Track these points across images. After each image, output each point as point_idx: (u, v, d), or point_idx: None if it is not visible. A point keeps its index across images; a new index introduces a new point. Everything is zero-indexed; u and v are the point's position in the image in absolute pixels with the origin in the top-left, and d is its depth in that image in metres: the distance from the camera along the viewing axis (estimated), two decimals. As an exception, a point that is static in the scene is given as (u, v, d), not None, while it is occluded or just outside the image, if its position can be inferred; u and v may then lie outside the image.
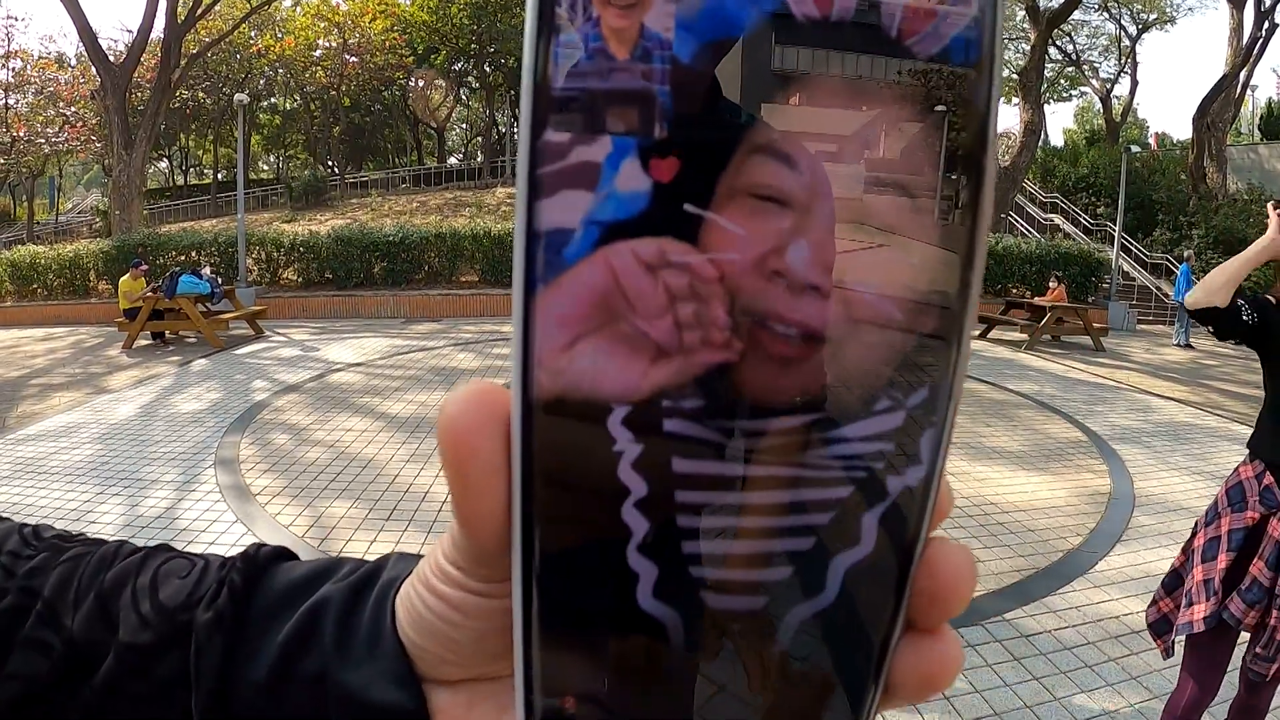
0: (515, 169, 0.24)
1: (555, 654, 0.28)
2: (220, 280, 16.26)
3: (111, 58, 24.63)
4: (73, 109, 35.77)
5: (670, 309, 0.26)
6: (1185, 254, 19.02)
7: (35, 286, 20.98)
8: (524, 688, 0.28)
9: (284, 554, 0.45)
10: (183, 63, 25.45)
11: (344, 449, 7.81)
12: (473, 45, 37.97)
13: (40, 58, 37.13)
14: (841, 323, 0.27)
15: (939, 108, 0.26)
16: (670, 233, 0.26)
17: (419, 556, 0.37)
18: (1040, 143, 31.03)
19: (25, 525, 0.51)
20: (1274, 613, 2.88)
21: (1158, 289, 24.31)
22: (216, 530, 5.77)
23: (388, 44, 36.90)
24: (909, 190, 0.27)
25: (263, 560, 0.43)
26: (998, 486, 7.14)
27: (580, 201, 0.26)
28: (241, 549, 0.44)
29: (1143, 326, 21.27)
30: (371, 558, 0.41)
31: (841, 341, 0.27)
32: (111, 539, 0.50)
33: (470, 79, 43.32)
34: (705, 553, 0.28)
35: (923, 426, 0.28)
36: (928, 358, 0.27)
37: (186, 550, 0.47)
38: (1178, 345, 17.83)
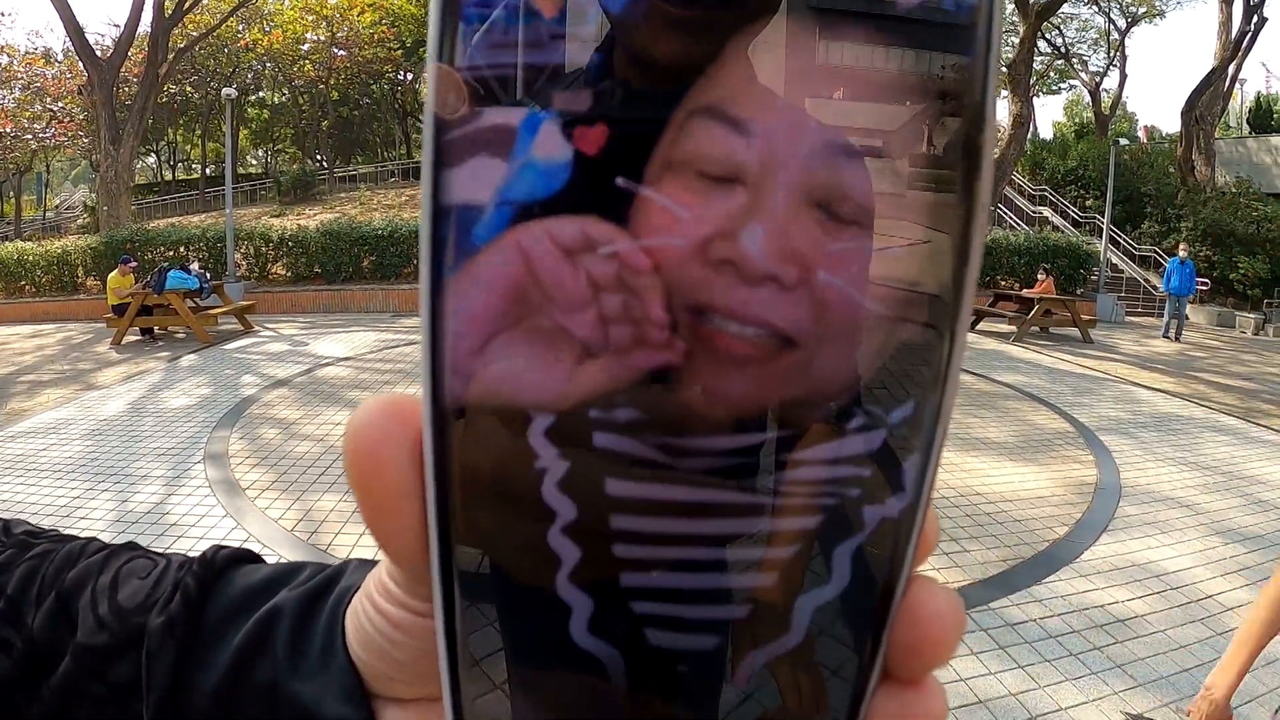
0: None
1: (482, 687, 0.25)
2: (209, 275, 16.20)
3: (99, 52, 24.49)
4: (60, 104, 35.48)
5: (595, 302, 0.23)
6: (1181, 251, 19.03)
7: (23, 283, 20.86)
8: (453, 713, 0.25)
9: (244, 556, 0.44)
10: (170, 57, 25.30)
11: (333, 443, 7.80)
12: (462, 38, 37.82)
13: (26, 53, 36.77)
14: (808, 321, 0.23)
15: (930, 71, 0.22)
16: (597, 213, 0.23)
17: (376, 562, 0.35)
18: (1029, 135, 31.09)
19: None
20: None
21: (1146, 281, 24.38)
22: (206, 525, 5.77)
23: (376, 37, 36.66)
24: (890, 162, 0.22)
25: (220, 564, 0.42)
26: (985, 477, 7.18)
27: (492, 173, 0.22)
28: (212, 547, 0.44)
29: (1131, 318, 21.36)
30: (361, 550, 0.40)
31: (807, 344, 0.23)
32: (100, 535, 0.49)
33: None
34: (647, 585, 0.24)
35: (907, 449, 0.24)
36: (912, 366, 0.23)
37: (175, 549, 0.47)
38: (1165, 338, 17.87)
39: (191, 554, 0.46)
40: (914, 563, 0.25)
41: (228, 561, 0.43)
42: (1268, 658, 4.20)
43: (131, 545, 0.48)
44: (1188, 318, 19.97)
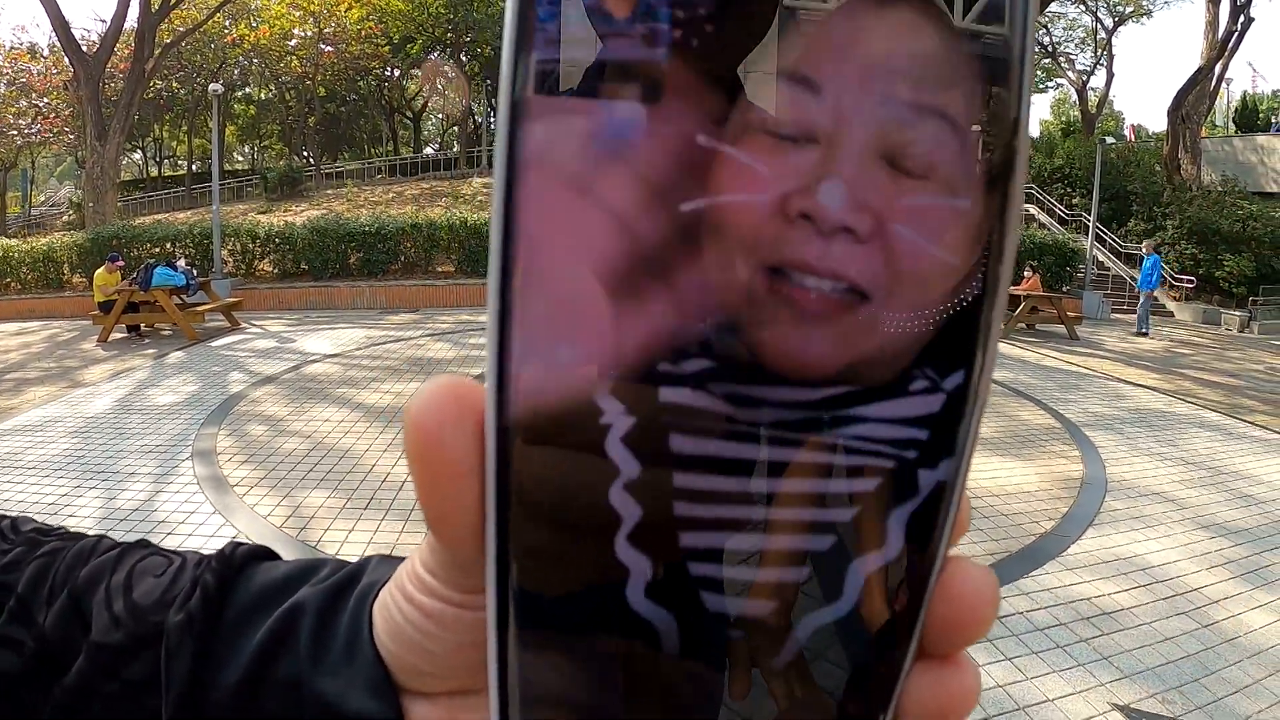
0: (492, 159, 0.21)
1: (533, 667, 0.25)
2: (195, 272, 16.08)
3: (85, 48, 24.44)
4: (45, 100, 35.24)
5: (674, 255, 0.23)
6: (1156, 246, 19.19)
7: (8, 280, 20.67)
8: (499, 706, 0.25)
9: (262, 553, 0.44)
10: (156, 53, 25.15)
11: (321, 439, 7.80)
12: (449, 34, 37.74)
13: (12, 48, 36.46)
14: (881, 275, 0.23)
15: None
16: (679, 173, 0.23)
17: (399, 560, 0.35)
18: (1016, 134, 31.02)
19: (4, 518, 0.50)
20: None
21: (1132, 279, 24.46)
22: (195, 522, 5.75)
23: (364, 33, 36.51)
24: (952, 123, 0.23)
25: (239, 560, 0.42)
26: (972, 472, 7.09)
27: (575, 126, 0.22)
28: (220, 545, 0.43)
29: (1117, 315, 21.46)
30: (350, 546, 0.40)
31: (880, 298, 0.23)
32: (90, 532, 0.49)
33: (446, 68, 43.06)
34: (707, 546, 0.24)
35: (959, 413, 0.24)
36: (967, 332, 0.24)
37: (163, 545, 0.46)
38: (1141, 334, 17.96)
39: (186, 550, 0.45)
40: (951, 539, 0.25)
41: (246, 558, 0.42)
42: (1254, 648, 4.25)
43: (144, 543, 0.48)
44: (1172, 313, 20.14)
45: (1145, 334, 17.93)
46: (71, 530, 0.50)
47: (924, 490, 0.24)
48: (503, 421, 0.23)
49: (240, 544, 0.44)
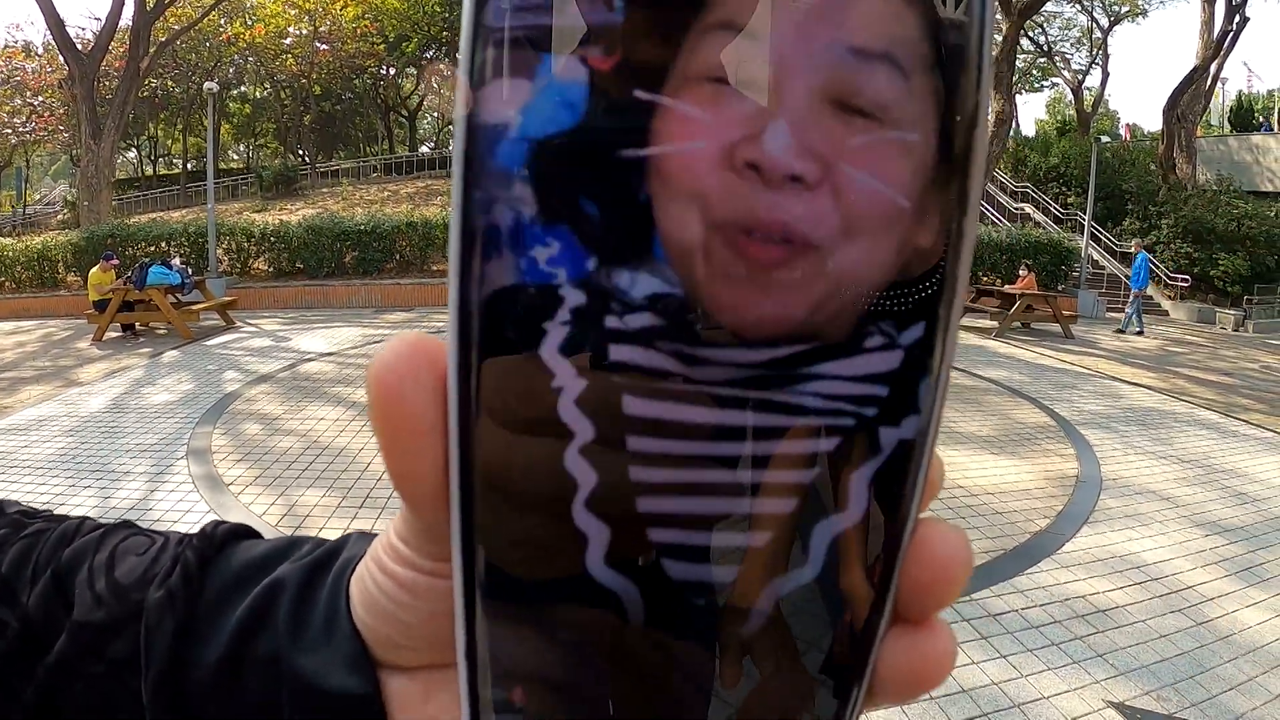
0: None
1: (499, 637, 0.24)
2: (190, 271, 16.05)
3: (79, 46, 24.36)
4: (40, 98, 35.23)
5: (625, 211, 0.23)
6: (1150, 245, 19.27)
7: (3, 280, 20.64)
8: (468, 674, 0.25)
9: (243, 532, 0.44)
10: (151, 51, 25.12)
11: (316, 438, 7.78)
12: (445, 32, 37.69)
13: (6, 46, 36.46)
14: (833, 221, 0.23)
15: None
16: (621, 130, 0.22)
17: (377, 535, 0.35)
18: (1011, 132, 31.24)
19: None
20: None
21: (1127, 278, 24.53)
22: (190, 521, 5.72)
23: (359, 31, 36.49)
24: (900, 64, 0.22)
25: (220, 538, 0.42)
26: (967, 470, 7.23)
27: (518, 90, 0.22)
28: (211, 522, 0.43)
29: (1112, 314, 21.49)
30: None
31: (833, 250, 0.23)
32: (72, 516, 0.49)
33: (442, 67, 43.02)
34: (665, 511, 0.24)
35: (920, 368, 0.24)
36: (924, 284, 0.23)
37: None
38: (1135, 333, 17.99)
39: (169, 530, 0.45)
40: (923, 500, 0.25)
41: (227, 536, 0.42)
42: (1248, 646, 4.26)
43: (127, 523, 0.48)
44: (1167, 311, 20.17)
45: (1140, 333, 17.96)
46: (56, 513, 0.50)
47: (886, 448, 0.24)
48: (464, 385, 0.23)
49: (221, 522, 0.44)
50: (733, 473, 0.24)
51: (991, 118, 23.88)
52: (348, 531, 0.40)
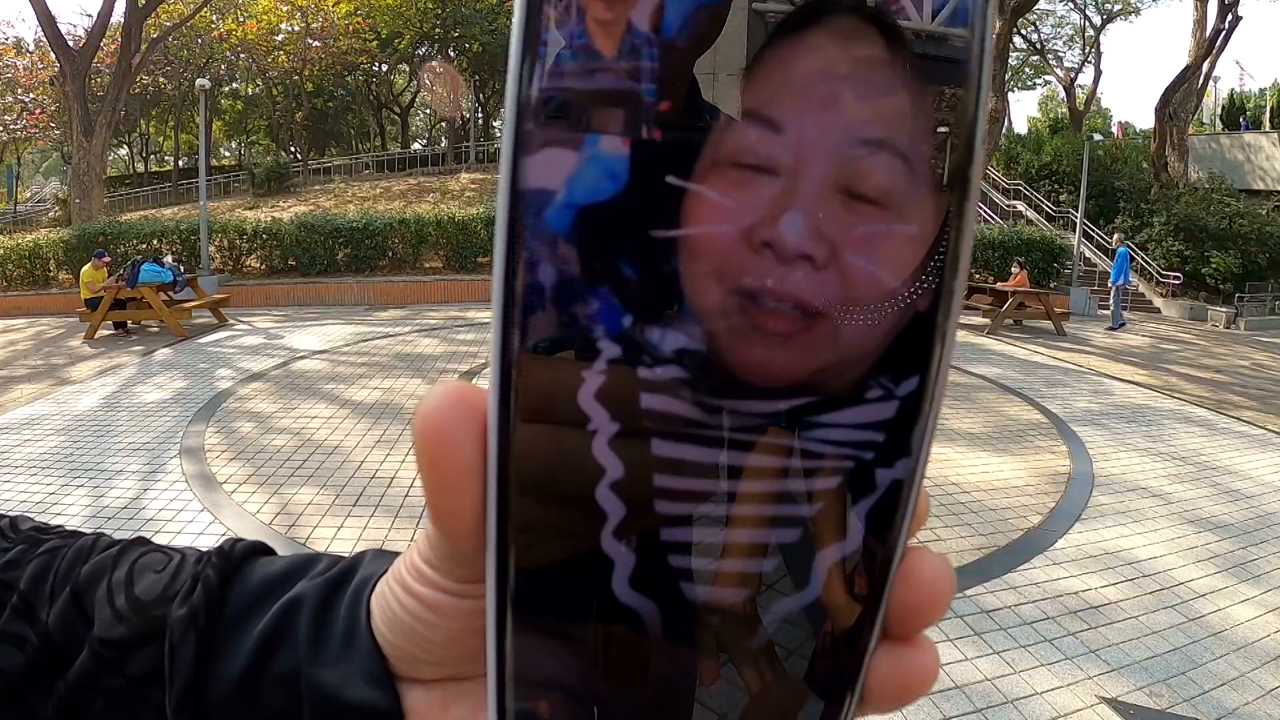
0: (477, 154, 0.23)
1: (529, 654, 0.27)
2: (183, 268, 16.03)
3: (71, 43, 24.24)
4: (31, 95, 35.05)
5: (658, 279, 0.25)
6: (1138, 240, 19.38)
7: (-7, 277, 20.60)
8: (496, 689, 0.27)
9: (260, 549, 0.45)
10: (143, 47, 24.98)
11: (309, 436, 7.78)
12: (437, 29, 37.61)
13: (-4, 43, 36.29)
14: (836, 296, 0.25)
15: (930, 82, 0.25)
16: (652, 210, 0.25)
17: (395, 554, 0.37)
18: (1004, 130, 31.30)
19: (3, 517, 0.50)
20: None
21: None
22: (183, 520, 5.72)
23: (351, 28, 36.36)
24: (903, 155, 0.25)
25: (238, 555, 0.43)
26: (960, 467, 7.25)
27: (563, 163, 0.25)
28: (209, 542, 0.43)
29: (1103, 311, 21.54)
30: (339, 543, 0.41)
31: (835, 317, 0.25)
32: (86, 531, 0.50)
33: (435, 64, 42.94)
34: (684, 541, 0.27)
35: (912, 417, 0.26)
36: (918, 344, 0.26)
37: (155, 541, 0.47)
38: (1116, 327, 18.06)
39: (184, 547, 0.46)
40: (910, 530, 0.27)
41: (246, 553, 0.43)
42: (1240, 641, 4.28)
43: (142, 540, 0.48)
44: (1159, 309, 20.23)
45: (1123, 325, 18.03)
46: (70, 529, 0.51)
47: (881, 487, 0.26)
48: (504, 422, 0.25)
49: (239, 540, 0.45)
50: (744, 507, 0.27)
51: (986, 123, 23.93)
52: (341, 528, 0.41)
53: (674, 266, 0.25)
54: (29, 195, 50.56)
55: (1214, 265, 23.82)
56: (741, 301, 0.25)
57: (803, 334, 0.25)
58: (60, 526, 0.51)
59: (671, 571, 0.27)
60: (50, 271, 20.45)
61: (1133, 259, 23.00)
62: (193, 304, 14.99)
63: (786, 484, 0.27)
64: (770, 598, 0.27)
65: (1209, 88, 38.50)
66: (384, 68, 42.86)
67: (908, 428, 0.26)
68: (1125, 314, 18.50)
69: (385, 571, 0.36)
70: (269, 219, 22.00)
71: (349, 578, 0.39)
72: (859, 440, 0.26)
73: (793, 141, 0.25)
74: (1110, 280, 18.62)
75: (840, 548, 0.27)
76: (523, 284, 0.25)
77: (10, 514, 0.51)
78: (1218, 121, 44.18)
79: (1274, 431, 9.21)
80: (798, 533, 0.27)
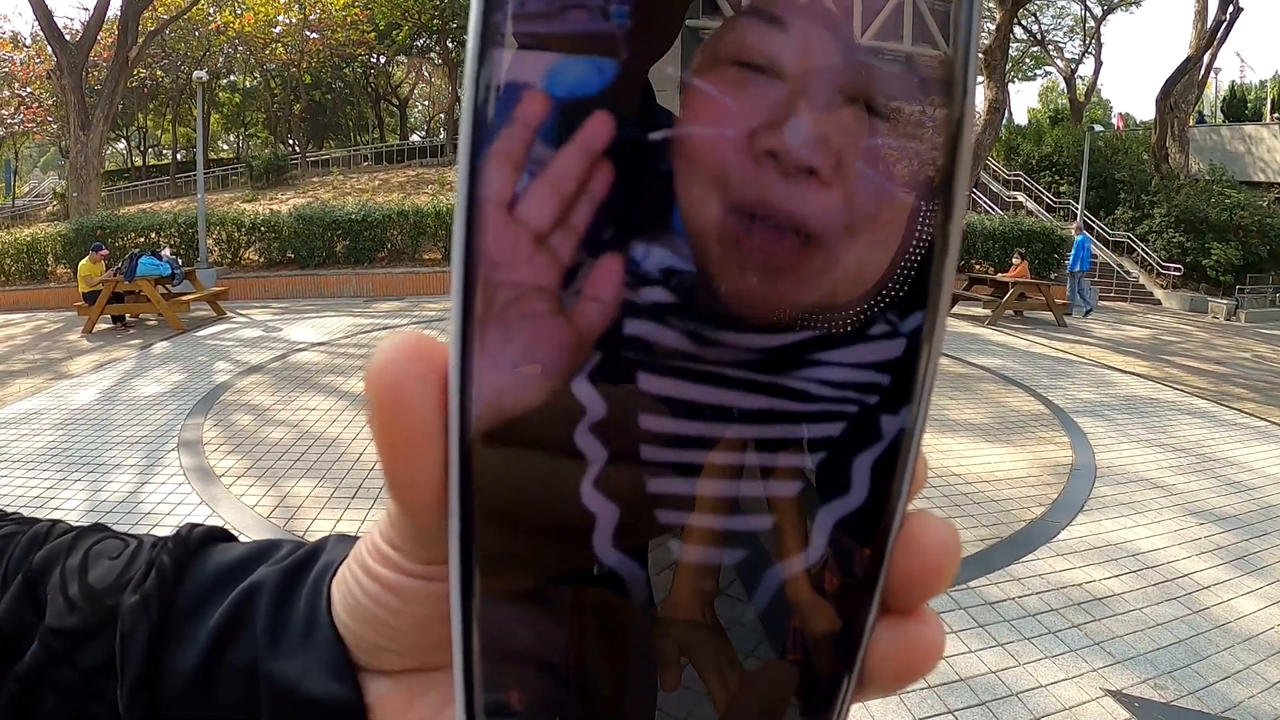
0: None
1: (498, 638, 0.24)
2: (180, 261, 15.97)
3: (68, 36, 24.14)
4: (28, 89, 35.01)
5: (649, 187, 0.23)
6: (1076, 226, 19.58)
7: (-9, 272, 20.56)
8: (464, 678, 0.24)
9: (219, 535, 0.42)
10: (140, 40, 24.90)
11: (308, 428, 7.74)
12: (435, 20, 37.53)
13: (-7, 36, 36.20)
14: (843, 216, 0.23)
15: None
16: (646, 110, 0.22)
17: (358, 538, 0.34)
18: (1004, 121, 31.22)
19: None
20: None
21: (1119, 266, 24.63)
22: (181, 513, 5.69)
23: (349, 19, 36.28)
24: (913, 65, 0.23)
25: (195, 541, 0.41)
26: (961, 458, 7.21)
27: (539, 59, 0.22)
28: (187, 525, 0.42)
29: (1104, 303, 21.55)
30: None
31: (842, 240, 0.23)
32: (77, 522, 0.47)
33: (433, 55, 42.87)
34: (673, 492, 0.23)
35: (916, 359, 0.24)
36: (924, 277, 0.23)
37: (128, 532, 0.45)
38: (1085, 313, 18.08)
39: (143, 534, 0.44)
40: (910, 493, 0.25)
41: (203, 539, 0.41)
42: (1244, 634, 4.26)
43: (100, 526, 0.46)
44: (1159, 300, 20.18)
45: (1089, 312, 18.04)
46: (26, 515, 0.48)
47: (887, 436, 0.24)
48: (467, 374, 0.22)
49: (196, 525, 0.42)
50: (739, 455, 0.24)
51: (985, 106, 23.91)
52: (340, 520, 0.38)
53: (665, 169, 0.23)
54: (27, 190, 50.54)
55: (1215, 257, 23.83)
56: (739, 220, 0.23)
57: (804, 260, 0.23)
58: (16, 513, 0.49)
59: (659, 529, 0.24)
60: (48, 266, 20.41)
61: (1133, 250, 23.02)
62: (191, 297, 14.97)
63: (788, 429, 0.24)
64: (768, 560, 0.24)
65: (1210, 79, 38.40)
66: (382, 59, 42.81)
67: (912, 370, 0.23)
68: (1092, 300, 18.44)
69: (348, 556, 0.33)
70: (267, 211, 21.94)
71: (311, 563, 0.36)
72: (865, 382, 0.24)
73: (799, 42, 0.22)
74: (1068, 268, 18.61)
75: (844, 503, 0.24)
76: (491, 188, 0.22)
77: None
78: (1218, 113, 44.10)
79: (1275, 423, 9.18)
80: (799, 486, 0.24)
